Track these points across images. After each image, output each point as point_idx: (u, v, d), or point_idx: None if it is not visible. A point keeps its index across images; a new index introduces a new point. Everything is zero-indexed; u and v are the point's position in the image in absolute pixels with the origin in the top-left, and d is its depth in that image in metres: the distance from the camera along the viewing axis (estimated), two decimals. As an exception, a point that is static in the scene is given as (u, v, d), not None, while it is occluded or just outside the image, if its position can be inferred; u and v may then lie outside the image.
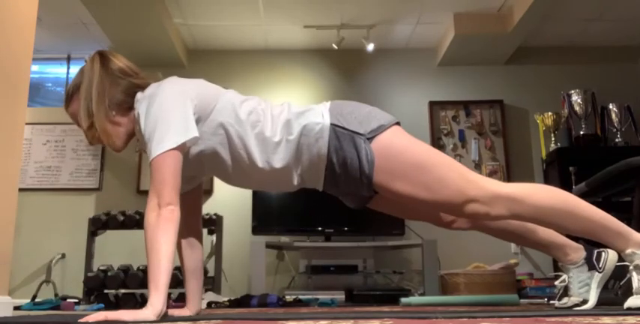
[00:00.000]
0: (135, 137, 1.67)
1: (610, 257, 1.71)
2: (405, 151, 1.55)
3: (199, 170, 1.65)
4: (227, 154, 1.58)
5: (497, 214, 1.53)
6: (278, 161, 1.56)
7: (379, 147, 1.54)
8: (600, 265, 1.73)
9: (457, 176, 1.53)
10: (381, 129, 1.56)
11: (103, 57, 1.63)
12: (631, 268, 1.52)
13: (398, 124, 1.63)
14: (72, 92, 1.63)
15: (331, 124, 1.55)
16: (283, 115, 1.58)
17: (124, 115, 1.61)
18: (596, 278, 1.72)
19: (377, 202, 1.74)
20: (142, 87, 1.62)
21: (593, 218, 1.53)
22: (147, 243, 1.37)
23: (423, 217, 1.83)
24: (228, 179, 1.66)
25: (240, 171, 1.59)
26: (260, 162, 1.56)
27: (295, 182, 1.62)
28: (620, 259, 1.63)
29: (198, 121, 1.54)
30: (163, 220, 1.38)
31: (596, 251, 1.74)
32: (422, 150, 1.57)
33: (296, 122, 1.56)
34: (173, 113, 1.49)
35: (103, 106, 1.56)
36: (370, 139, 1.54)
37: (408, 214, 1.82)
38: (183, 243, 1.74)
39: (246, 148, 1.55)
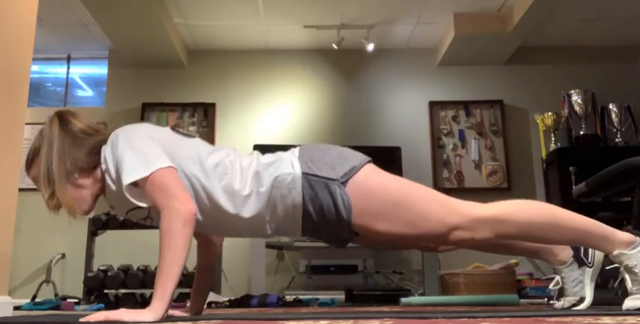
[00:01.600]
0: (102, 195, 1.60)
1: (597, 251, 1.72)
2: (381, 191, 1.52)
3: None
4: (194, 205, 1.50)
5: (482, 237, 1.51)
6: (248, 212, 1.51)
7: (354, 190, 1.50)
8: (589, 260, 1.75)
9: (437, 207, 1.50)
10: (353, 171, 1.52)
11: (62, 119, 1.54)
12: (622, 269, 1.51)
13: (370, 161, 1.59)
14: (32, 157, 1.54)
15: (303, 173, 1.51)
16: (252, 167, 1.53)
17: (89, 175, 1.53)
18: (588, 273, 1.75)
19: (361, 240, 1.69)
20: (105, 143, 1.53)
21: (576, 227, 1.52)
22: (164, 247, 1.34)
23: (409, 247, 1.82)
24: (198, 227, 1.54)
25: (209, 220, 1.53)
26: (229, 214, 1.51)
27: (269, 231, 1.58)
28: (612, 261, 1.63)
29: None
30: (186, 228, 1.36)
31: (582, 248, 1.75)
32: (398, 186, 1.54)
33: (266, 173, 1.52)
34: (144, 145, 1.45)
35: (65, 172, 1.48)
36: (344, 183, 1.50)
37: (394, 245, 1.82)
38: (200, 239, 1.75)
39: (213, 201, 1.49)
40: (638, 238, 1.51)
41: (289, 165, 1.53)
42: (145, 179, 1.40)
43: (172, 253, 1.34)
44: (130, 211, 1.54)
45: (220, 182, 1.50)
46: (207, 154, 1.54)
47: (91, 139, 1.53)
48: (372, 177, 1.54)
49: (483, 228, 1.49)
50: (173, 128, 1.61)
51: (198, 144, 1.57)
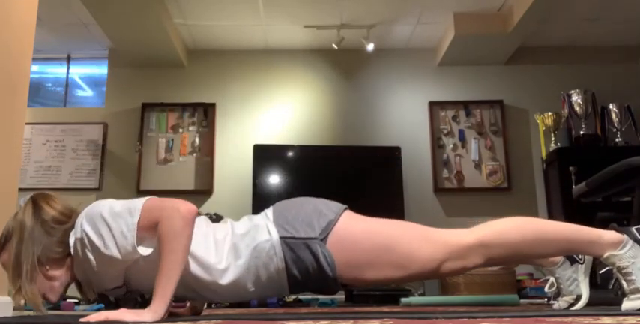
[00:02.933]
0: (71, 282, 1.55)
1: None
2: (363, 239, 1.48)
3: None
4: None
5: (474, 264, 1.49)
6: (226, 280, 1.47)
7: (336, 243, 1.47)
8: (580, 257, 1.76)
9: (422, 243, 1.48)
10: (331, 225, 1.49)
11: (35, 206, 1.50)
12: (614, 271, 1.51)
13: (346, 209, 1.57)
14: (3, 241, 1.48)
15: (281, 238, 1.47)
16: (228, 239, 1.49)
17: (61, 265, 1.48)
18: (581, 270, 1.75)
19: (351, 286, 1.68)
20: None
21: (562, 238, 1.51)
22: (165, 249, 1.34)
23: (401, 282, 1.80)
24: (183, 293, 1.51)
25: (186, 289, 1.49)
26: (206, 280, 1.47)
27: (253, 296, 1.55)
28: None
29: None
30: (187, 228, 1.36)
31: None
32: (378, 230, 1.51)
33: (243, 244, 1.48)
34: (117, 205, 1.44)
35: (34, 265, 1.42)
36: (324, 240, 1.47)
37: (387, 284, 1.81)
38: None
39: (187, 272, 1.44)
40: (624, 235, 1.50)
41: (265, 231, 1.49)
42: (141, 217, 1.39)
43: (173, 254, 1.34)
44: (109, 290, 1.51)
45: (193, 258, 1.45)
46: None
47: (62, 227, 1.48)
48: (350, 227, 1.51)
49: (473, 255, 1.47)
50: None
51: None
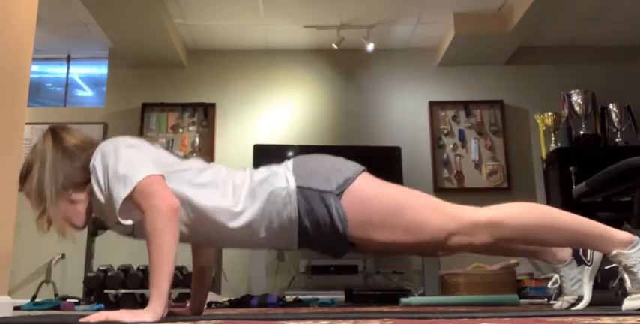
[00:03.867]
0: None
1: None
2: (377, 200, 1.51)
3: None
4: (184, 228, 1.49)
5: (481, 242, 1.50)
6: (239, 223, 1.49)
7: (350, 201, 1.49)
8: (588, 259, 1.75)
9: (433, 213, 1.50)
10: (348, 182, 1.51)
11: (55, 135, 1.53)
12: (620, 269, 1.51)
13: (364, 171, 1.58)
14: (25, 173, 1.53)
15: (297, 187, 1.49)
16: (246, 184, 1.52)
17: (83, 190, 1.51)
18: (587, 272, 1.75)
19: (358, 249, 1.67)
20: None
21: (574, 228, 1.52)
22: (151, 246, 1.35)
23: (407, 253, 1.81)
24: (189, 240, 1.58)
25: (198, 234, 1.53)
26: (220, 232, 1.50)
27: (263, 243, 1.57)
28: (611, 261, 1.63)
29: None
30: (169, 222, 1.36)
31: None
32: (393, 194, 1.53)
33: (260, 190, 1.50)
34: (131, 157, 1.45)
35: (57, 189, 1.47)
36: (339, 195, 1.49)
37: (392, 253, 1.81)
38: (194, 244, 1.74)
39: (203, 216, 1.48)
40: (636, 237, 1.51)
41: (283, 179, 1.51)
42: (132, 192, 1.39)
43: (160, 251, 1.34)
44: (116, 225, 1.52)
45: (211, 202, 1.48)
46: (197, 173, 1.52)
47: (84, 153, 1.51)
48: (367, 187, 1.53)
49: (481, 232, 1.49)
50: (165, 148, 1.61)
51: (188, 163, 1.56)
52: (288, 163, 1.57)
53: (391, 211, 1.49)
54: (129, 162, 1.43)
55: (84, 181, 1.50)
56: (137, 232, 1.52)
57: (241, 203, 1.49)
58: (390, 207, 1.50)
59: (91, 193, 1.50)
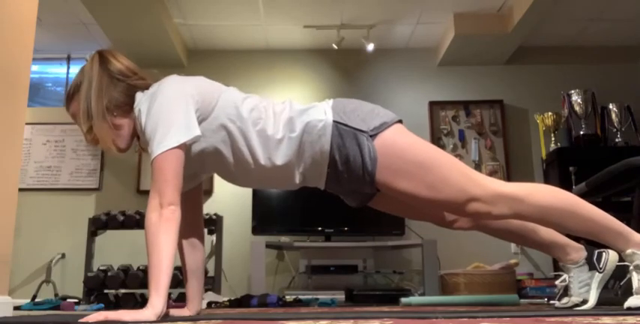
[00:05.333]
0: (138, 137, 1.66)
1: (610, 258, 1.71)
2: (408, 150, 1.54)
3: (201, 168, 1.64)
4: (229, 152, 1.56)
5: (500, 213, 1.52)
6: (280, 158, 1.54)
7: (382, 145, 1.53)
8: (601, 266, 1.73)
9: (460, 175, 1.53)
10: (383, 126, 1.55)
11: (102, 57, 1.61)
12: (631, 268, 1.52)
13: (400, 122, 1.62)
14: (72, 92, 1.61)
15: (334, 122, 1.53)
16: (285, 113, 1.57)
17: (125, 116, 1.60)
18: (597, 278, 1.72)
19: (378, 201, 1.74)
20: (142, 88, 1.61)
21: (594, 218, 1.53)
22: (148, 243, 1.37)
23: (424, 217, 1.82)
24: (230, 177, 1.65)
25: (242, 168, 1.58)
26: (262, 159, 1.55)
27: (297, 180, 1.60)
28: (621, 259, 1.63)
29: (199, 119, 1.53)
30: (165, 220, 1.38)
31: (596, 251, 1.74)
32: (425, 149, 1.56)
33: (298, 120, 1.55)
34: (174, 112, 1.48)
35: (102, 109, 1.55)
36: (373, 137, 1.53)
37: (410, 213, 1.82)
38: (185, 242, 1.73)
39: (249, 146, 1.54)
40: None
41: (322, 112, 1.56)
42: (155, 158, 1.44)
43: (157, 247, 1.35)
44: None
45: (255, 127, 1.54)
46: (241, 100, 1.59)
47: (129, 80, 1.60)
48: (400, 136, 1.57)
49: (502, 204, 1.51)
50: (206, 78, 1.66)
51: (233, 91, 1.63)
52: (329, 101, 1.63)
53: (419, 163, 1.53)
54: (164, 121, 1.46)
55: (128, 106, 1.58)
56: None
57: (281, 131, 1.54)
58: (418, 159, 1.53)
59: (135, 119, 1.57)
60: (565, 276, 1.79)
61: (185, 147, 1.49)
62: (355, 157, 1.52)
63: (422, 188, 1.52)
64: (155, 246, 1.36)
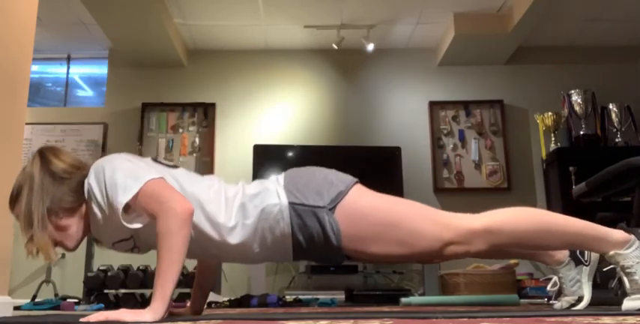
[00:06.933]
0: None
1: None
2: (371, 213, 1.49)
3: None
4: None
5: (477, 249, 1.49)
6: (234, 239, 1.49)
7: (343, 215, 1.48)
8: (586, 259, 1.76)
9: (429, 223, 1.48)
10: (340, 196, 1.49)
11: (43, 158, 1.49)
12: (618, 269, 1.51)
13: (357, 182, 1.57)
14: (15, 195, 1.49)
15: (290, 203, 1.48)
16: (238, 198, 1.50)
17: (74, 214, 1.49)
18: (585, 272, 1.75)
19: (355, 258, 1.65)
20: (86, 177, 1.50)
21: (571, 231, 1.51)
22: (163, 248, 1.34)
23: (404, 263, 1.80)
24: (190, 253, 1.53)
25: (195, 247, 1.49)
26: (215, 239, 1.48)
27: (258, 259, 1.57)
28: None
29: None
30: (184, 226, 1.36)
31: None
32: (387, 206, 1.51)
33: (251, 205, 1.49)
34: (130, 166, 1.44)
35: (43, 217, 1.44)
36: (332, 210, 1.48)
37: (389, 263, 1.80)
38: (202, 263, 1.76)
39: (197, 230, 1.46)
40: (632, 235, 1.50)
41: (275, 195, 1.50)
42: (137, 194, 1.38)
43: (171, 253, 1.34)
44: (116, 243, 1.52)
45: (203, 213, 1.46)
46: (189, 184, 1.50)
47: (75, 176, 1.48)
48: (360, 200, 1.51)
49: (477, 240, 1.47)
50: (154, 159, 1.58)
51: (180, 174, 1.54)
52: (280, 178, 1.56)
53: (385, 223, 1.48)
54: (127, 171, 1.42)
55: (74, 205, 1.48)
56: (141, 243, 1.52)
57: (233, 218, 1.48)
58: (383, 220, 1.48)
59: (87, 214, 1.48)
60: (555, 278, 1.81)
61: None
62: (319, 234, 1.48)
63: (394, 247, 1.48)
64: (170, 252, 1.33)
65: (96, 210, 1.45)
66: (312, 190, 1.51)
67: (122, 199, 1.38)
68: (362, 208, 1.49)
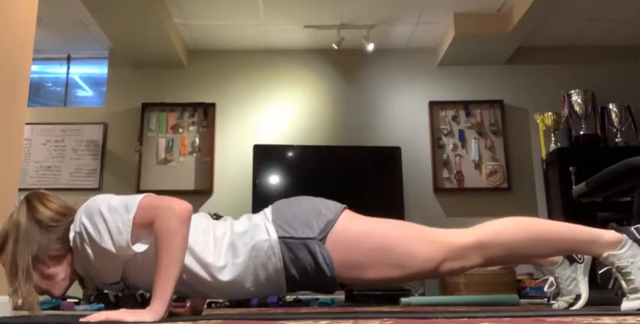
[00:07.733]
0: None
1: None
2: (362, 239, 1.48)
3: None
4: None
5: (472, 264, 1.49)
6: (225, 277, 1.48)
7: (334, 244, 1.47)
8: (579, 256, 1.77)
9: (421, 244, 1.47)
10: (330, 225, 1.49)
11: (29, 205, 1.49)
12: (614, 271, 1.50)
13: (345, 208, 1.56)
14: (1, 243, 1.46)
15: (279, 238, 1.47)
16: (227, 237, 1.49)
17: (61, 262, 1.48)
18: (580, 270, 1.76)
19: (350, 283, 1.65)
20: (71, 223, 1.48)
21: (562, 237, 1.50)
22: (161, 248, 1.34)
23: (401, 282, 1.80)
24: (179, 291, 1.52)
25: (184, 287, 1.50)
26: (206, 279, 1.48)
27: (251, 293, 1.55)
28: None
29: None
30: (183, 225, 1.36)
31: None
32: (377, 229, 1.50)
33: (241, 243, 1.48)
34: (121, 197, 1.44)
35: (28, 268, 1.41)
36: (323, 240, 1.47)
37: (386, 283, 1.79)
38: None
39: (185, 269, 1.44)
40: (624, 235, 1.50)
41: (264, 231, 1.49)
42: (138, 208, 1.39)
43: (170, 254, 1.34)
44: (108, 286, 1.52)
45: (192, 255, 1.45)
46: None
47: (61, 224, 1.47)
48: (349, 227, 1.51)
49: (471, 255, 1.47)
50: None
51: None
52: (267, 212, 1.56)
53: (377, 249, 1.47)
54: (119, 198, 1.43)
55: (62, 252, 1.46)
56: (130, 284, 1.51)
57: (222, 257, 1.47)
58: (375, 245, 1.47)
59: (76, 259, 1.47)
60: (551, 279, 1.81)
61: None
62: (311, 266, 1.47)
63: (389, 270, 1.47)
64: (169, 252, 1.34)
65: (89, 251, 1.42)
66: (300, 222, 1.50)
67: (128, 216, 1.38)
68: (352, 235, 1.49)
